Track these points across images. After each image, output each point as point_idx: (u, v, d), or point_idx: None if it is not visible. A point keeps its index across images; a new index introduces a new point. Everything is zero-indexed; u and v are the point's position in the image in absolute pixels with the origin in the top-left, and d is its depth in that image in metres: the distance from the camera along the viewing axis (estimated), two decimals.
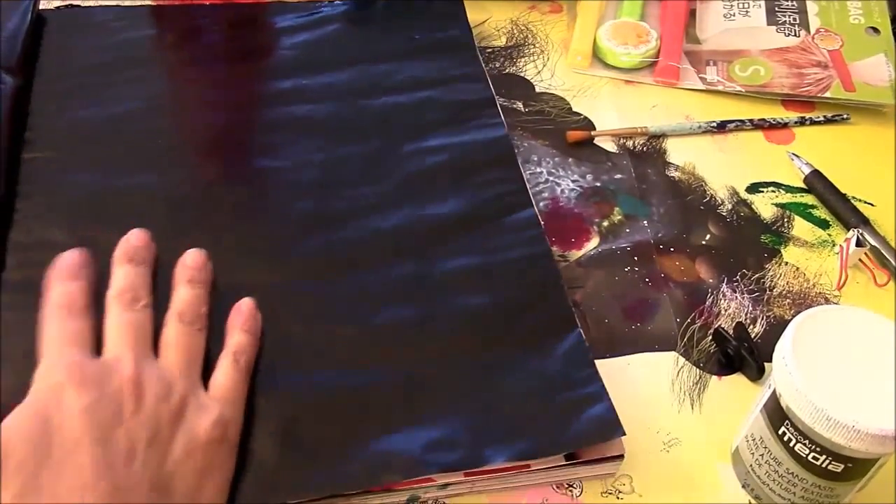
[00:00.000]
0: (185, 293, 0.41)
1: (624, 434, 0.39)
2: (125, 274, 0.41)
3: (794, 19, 0.64)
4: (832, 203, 0.53)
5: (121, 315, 0.39)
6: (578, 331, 0.43)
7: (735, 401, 0.44)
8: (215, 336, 0.40)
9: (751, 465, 0.40)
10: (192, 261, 0.42)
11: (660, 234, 0.51)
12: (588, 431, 0.39)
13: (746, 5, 0.66)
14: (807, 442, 0.35)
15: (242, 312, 0.41)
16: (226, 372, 0.38)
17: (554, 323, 0.43)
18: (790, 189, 0.55)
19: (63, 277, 0.40)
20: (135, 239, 0.43)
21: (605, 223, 0.52)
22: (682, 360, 0.46)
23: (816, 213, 0.54)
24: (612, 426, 0.39)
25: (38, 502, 0.32)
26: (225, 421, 0.36)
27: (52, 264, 0.40)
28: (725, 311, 0.48)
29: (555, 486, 0.40)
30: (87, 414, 0.34)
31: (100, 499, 0.32)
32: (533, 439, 0.39)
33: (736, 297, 0.49)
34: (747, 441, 0.39)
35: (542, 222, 0.48)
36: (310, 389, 0.40)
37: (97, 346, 0.38)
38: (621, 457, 0.39)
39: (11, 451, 0.33)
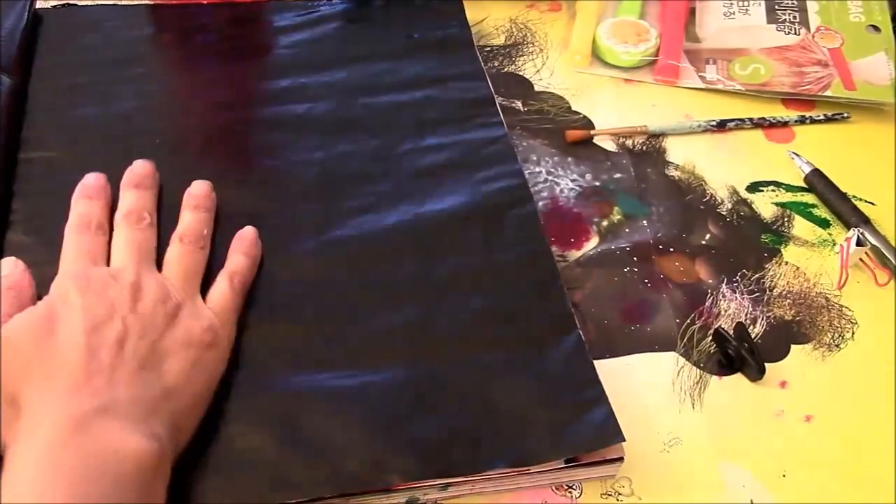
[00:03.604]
0: (189, 217, 0.44)
1: (623, 440, 0.38)
2: (131, 197, 0.44)
3: (794, 17, 0.64)
4: (832, 202, 0.53)
5: (127, 232, 0.42)
6: (578, 332, 0.43)
7: (736, 401, 0.44)
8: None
9: None
10: (197, 189, 0.46)
11: (659, 234, 0.51)
12: (587, 437, 0.39)
13: (746, 4, 0.65)
14: None
15: (244, 238, 0.44)
16: (221, 289, 0.41)
17: (554, 324, 0.43)
18: (790, 188, 0.55)
19: (81, 196, 0.44)
20: (139, 168, 0.46)
21: (605, 223, 0.52)
22: (682, 360, 0.46)
23: (817, 212, 0.54)
24: (611, 432, 0.39)
25: (32, 380, 0.35)
26: (216, 328, 0.39)
27: (76, 187, 0.44)
28: (725, 311, 0.48)
29: (554, 488, 0.40)
30: (86, 310, 0.37)
31: (80, 376, 0.34)
32: (532, 445, 0.38)
33: (736, 297, 0.48)
34: None
35: (542, 222, 0.48)
36: (309, 390, 0.40)
37: (108, 262, 0.41)
38: (621, 459, 0.39)
39: (15, 338, 0.36)
